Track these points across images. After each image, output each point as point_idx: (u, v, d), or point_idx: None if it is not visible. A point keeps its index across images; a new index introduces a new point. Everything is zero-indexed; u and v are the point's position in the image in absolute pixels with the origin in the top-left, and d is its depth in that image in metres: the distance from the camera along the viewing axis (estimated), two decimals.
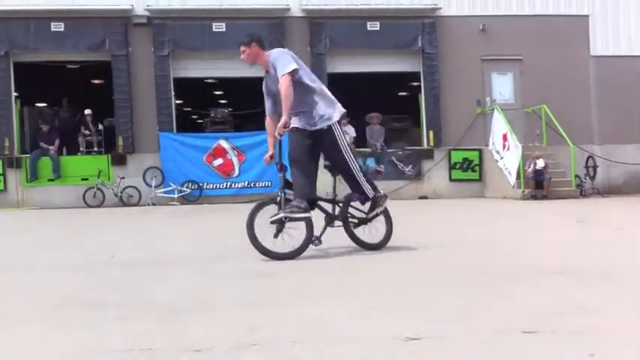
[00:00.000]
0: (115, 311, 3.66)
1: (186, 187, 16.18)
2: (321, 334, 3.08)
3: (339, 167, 6.00)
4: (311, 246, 5.75)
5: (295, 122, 5.85)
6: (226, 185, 16.53)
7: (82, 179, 16.37)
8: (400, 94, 21.46)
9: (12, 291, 4.49)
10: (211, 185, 16.51)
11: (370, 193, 6.02)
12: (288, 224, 5.65)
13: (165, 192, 16.14)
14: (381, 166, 17.10)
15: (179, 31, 16.64)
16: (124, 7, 16.44)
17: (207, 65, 17.40)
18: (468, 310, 3.52)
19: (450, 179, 17.25)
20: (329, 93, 6.02)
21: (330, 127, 5.85)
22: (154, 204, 15.86)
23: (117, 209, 14.96)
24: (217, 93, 23.52)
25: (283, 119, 5.57)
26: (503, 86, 17.82)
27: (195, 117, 24.17)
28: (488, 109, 17.39)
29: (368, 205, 6.09)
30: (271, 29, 16.73)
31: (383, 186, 16.82)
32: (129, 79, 16.55)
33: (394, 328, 3.12)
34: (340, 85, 16.89)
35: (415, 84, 18.50)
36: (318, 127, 5.84)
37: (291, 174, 5.81)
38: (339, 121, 5.94)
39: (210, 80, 19.41)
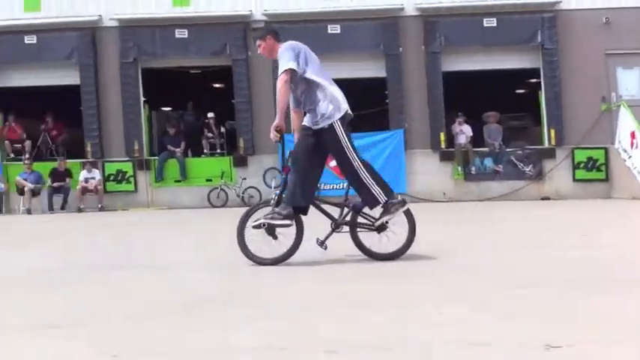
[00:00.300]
0: (246, 310, 3.81)
1: None
2: (452, 336, 3.09)
3: (344, 169, 5.62)
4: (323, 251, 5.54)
5: (304, 120, 5.70)
6: (343, 186, 16.65)
7: (207, 180, 17.09)
8: (518, 91, 20.89)
9: (146, 289, 4.74)
10: (329, 186, 16.73)
11: (381, 198, 5.50)
12: (278, 229, 5.49)
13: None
14: (500, 166, 16.73)
15: (294, 33, 16.80)
16: (243, 12, 16.99)
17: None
18: (593, 316, 3.42)
19: (574, 179, 16.61)
20: (336, 90, 5.66)
21: (331, 126, 5.53)
22: None
23: (239, 209, 15.44)
24: None
25: (275, 122, 5.47)
26: (629, 81, 16.95)
27: None
28: (614, 106, 16.60)
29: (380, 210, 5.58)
30: (385, 29, 16.80)
31: (502, 187, 16.67)
32: (248, 82, 17.08)
33: (525, 334, 3.09)
34: (456, 83, 16.72)
35: (534, 81, 17.97)
36: (320, 126, 5.56)
37: (289, 174, 5.59)
38: (343, 120, 5.56)
39: None
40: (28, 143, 17.62)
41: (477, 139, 17.13)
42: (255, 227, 5.49)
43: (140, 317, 3.70)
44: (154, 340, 3.19)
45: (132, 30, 17.01)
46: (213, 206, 16.40)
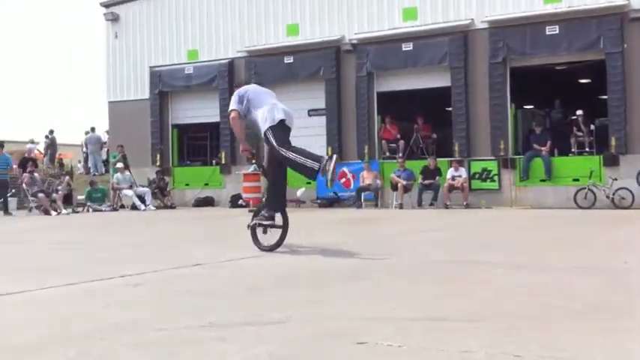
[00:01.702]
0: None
1: None
2: None
3: (282, 163, 7.07)
4: None
5: None
6: None
7: (573, 180, 16.48)
8: None
9: (532, 291, 4.74)
10: None
11: (315, 165, 6.65)
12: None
13: None
14: None
15: None
16: (619, 2, 15.95)
17: None
18: None
19: None
20: (268, 108, 7.05)
21: (266, 138, 6.99)
22: None
23: (608, 211, 14.62)
24: None
25: (240, 147, 7.64)
26: None
27: None
28: None
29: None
30: None
31: None
32: (623, 76, 15.98)
33: None
34: None
35: None
36: (266, 144, 7.14)
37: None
38: (273, 128, 6.92)
39: None
40: (401, 143, 19.00)
41: None
42: (248, 226, 7.34)
43: (537, 319, 3.74)
44: (557, 343, 3.21)
45: (502, 30, 17.16)
46: (580, 207, 15.71)
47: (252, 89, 7.52)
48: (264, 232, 7.24)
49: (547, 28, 16.62)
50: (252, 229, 7.30)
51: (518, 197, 17.07)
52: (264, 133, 6.97)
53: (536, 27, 16.78)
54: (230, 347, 3.19)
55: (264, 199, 7.89)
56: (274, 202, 7.25)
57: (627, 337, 3.30)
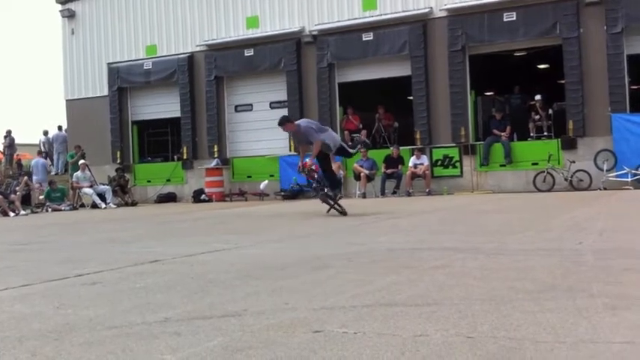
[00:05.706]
0: (601, 300, 3.69)
1: None
2: None
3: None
4: None
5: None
6: None
7: (532, 164, 16.74)
8: None
9: (492, 273, 4.83)
10: None
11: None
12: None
13: (617, 176, 15.47)
14: None
15: (632, 5, 15.68)
16: None
17: None
18: None
19: None
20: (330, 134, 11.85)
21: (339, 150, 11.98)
22: (605, 188, 15.33)
23: (567, 194, 14.87)
24: None
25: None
26: None
27: None
28: None
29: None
30: None
31: None
32: (580, 61, 16.24)
33: None
34: None
35: None
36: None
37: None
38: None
39: None
40: (363, 133, 19.04)
41: None
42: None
43: (491, 301, 3.78)
44: (509, 324, 3.25)
45: (460, 18, 17.29)
46: (539, 190, 16.00)
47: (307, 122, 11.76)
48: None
49: (504, 14, 16.81)
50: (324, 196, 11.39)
51: (479, 182, 17.28)
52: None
53: (493, 14, 16.95)
54: (184, 341, 3.16)
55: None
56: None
57: (578, 316, 3.35)
